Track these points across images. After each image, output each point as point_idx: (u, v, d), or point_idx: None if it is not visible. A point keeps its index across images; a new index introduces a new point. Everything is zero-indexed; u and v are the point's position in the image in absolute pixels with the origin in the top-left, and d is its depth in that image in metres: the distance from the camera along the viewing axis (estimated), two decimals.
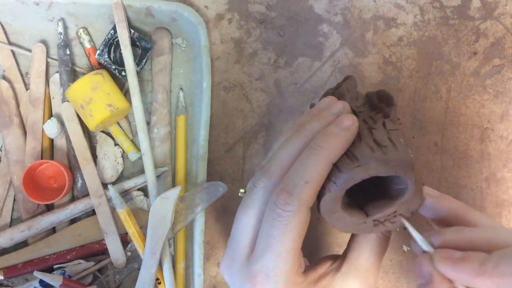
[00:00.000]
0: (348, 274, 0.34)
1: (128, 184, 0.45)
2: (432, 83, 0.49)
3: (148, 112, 0.46)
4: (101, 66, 0.46)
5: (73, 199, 0.45)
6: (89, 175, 0.44)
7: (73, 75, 0.46)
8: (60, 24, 0.45)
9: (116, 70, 0.45)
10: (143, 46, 0.45)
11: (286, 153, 0.33)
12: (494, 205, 0.49)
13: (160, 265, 0.43)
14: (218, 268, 0.47)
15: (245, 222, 0.33)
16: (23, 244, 0.44)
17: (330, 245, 0.48)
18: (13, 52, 0.46)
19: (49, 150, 0.45)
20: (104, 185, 0.44)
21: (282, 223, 0.30)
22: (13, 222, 0.45)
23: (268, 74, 0.48)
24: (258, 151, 0.48)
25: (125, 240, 0.44)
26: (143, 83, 0.47)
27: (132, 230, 0.43)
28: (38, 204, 0.44)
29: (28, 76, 0.46)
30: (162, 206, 0.42)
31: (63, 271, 0.42)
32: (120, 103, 0.43)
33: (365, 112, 0.35)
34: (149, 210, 0.43)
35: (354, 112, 0.35)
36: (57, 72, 0.45)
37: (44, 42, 0.46)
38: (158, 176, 0.45)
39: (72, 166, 0.45)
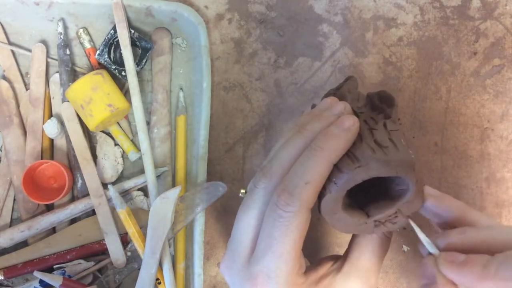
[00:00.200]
0: (349, 274, 0.34)
1: (128, 184, 0.45)
2: (432, 83, 0.49)
3: (148, 112, 0.46)
4: (101, 66, 0.46)
5: (73, 199, 0.45)
6: (89, 175, 0.44)
7: (73, 75, 0.46)
8: (60, 24, 0.45)
9: (116, 70, 0.45)
10: (143, 46, 0.45)
11: (286, 154, 0.33)
12: (494, 205, 0.49)
13: (160, 265, 0.43)
14: (218, 268, 0.47)
15: (246, 222, 0.33)
16: (23, 244, 0.44)
17: (331, 245, 0.48)
18: (13, 52, 0.46)
19: (49, 150, 0.45)
20: (104, 185, 0.44)
21: (283, 224, 0.30)
22: (13, 222, 0.45)
23: (268, 74, 0.48)
24: (258, 151, 0.48)
25: (125, 240, 0.44)
26: (143, 83, 0.47)
27: (132, 230, 0.43)
28: (38, 204, 0.44)
29: (28, 76, 0.46)
30: (162, 206, 0.42)
31: (63, 271, 0.42)
32: (120, 103, 0.43)
33: (366, 112, 0.35)
34: (149, 210, 0.43)
35: (355, 113, 0.35)
36: (57, 72, 0.45)
37: (44, 42, 0.46)
38: (158, 176, 0.45)
39: (72, 166, 0.45)
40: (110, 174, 0.45)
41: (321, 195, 0.32)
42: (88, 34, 0.46)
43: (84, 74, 0.45)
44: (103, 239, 0.44)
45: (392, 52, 0.49)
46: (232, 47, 0.48)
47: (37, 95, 0.45)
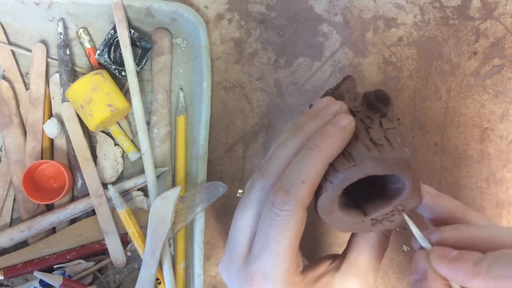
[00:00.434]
0: (347, 273, 0.34)
1: (128, 184, 0.45)
2: (432, 83, 0.49)
3: (148, 112, 0.46)
4: (101, 66, 0.46)
5: (73, 199, 0.45)
6: (89, 175, 0.44)
7: (73, 75, 0.46)
8: (60, 24, 0.45)
9: (116, 70, 0.45)
10: (143, 46, 0.45)
11: (283, 154, 0.33)
12: (494, 205, 0.49)
13: (160, 265, 0.43)
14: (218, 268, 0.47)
15: (243, 222, 0.33)
16: (23, 244, 0.44)
17: (330, 245, 0.48)
18: (13, 52, 0.46)
19: (49, 150, 0.45)
20: (104, 185, 0.44)
21: (279, 223, 0.30)
22: (13, 222, 0.45)
23: (268, 74, 0.48)
24: (258, 151, 0.48)
25: (125, 240, 0.44)
26: (143, 83, 0.47)
27: (132, 230, 0.43)
28: (38, 204, 0.44)
29: (28, 76, 0.46)
30: (162, 206, 0.42)
31: (63, 271, 0.42)
32: (120, 103, 0.43)
33: (362, 112, 0.35)
34: (149, 210, 0.43)
35: (351, 112, 0.35)
36: (57, 72, 0.45)
37: (44, 42, 0.46)
38: (158, 176, 0.45)
39: (72, 166, 0.45)
40: (110, 174, 0.45)
41: (317, 194, 0.32)
42: (88, 34, 0.46)
43: (84, 74, 0.45)
44: (103, 239, 0.44)
45: (392, 52, 0.49)
46: (232, 47, 0.48)
47: (37, 95, 0.45)
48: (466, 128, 0.49)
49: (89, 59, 0.46)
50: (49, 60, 0.46)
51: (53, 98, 0.45)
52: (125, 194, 0.45)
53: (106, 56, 0.44)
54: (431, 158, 0.49)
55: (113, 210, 0.44)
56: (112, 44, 0.45)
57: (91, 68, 0.46)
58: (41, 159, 0.44)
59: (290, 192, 0.31)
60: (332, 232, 0.48)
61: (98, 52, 0.44)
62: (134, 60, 0.44)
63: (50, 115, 0.45)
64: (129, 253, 0.44)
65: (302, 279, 0.32)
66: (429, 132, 0.49)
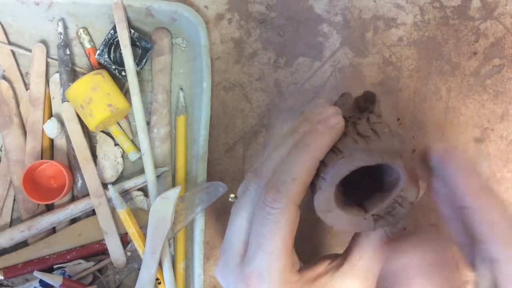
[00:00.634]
0: (347, 274, 0.34)
1: (128, 184, 0.45)
2: (432, 83, 0.49)
3: (148, 112, 0.46)
4: (101, 66, 0.46)
5: (73, 199, 0.45)
6: (89, 175, 0.44)
7: (73, 75, 0.46)
8: (60, 24, 0.45)
9: (116, 70, 0.45)
10: (143, 46, 0.45)
11: (277, 155, 0.33)
12: None
13: (160, 265, 0.43)
14: None
15: (238, 225, 0.33)
16: (23, 244, 0.44)
17: (331, 245, 0.48)
18: (13, 52, 0.46)
19: (49, 150, 0.45)
20: (104, 185, 0.44)
21: (271, 221, 0.31)
22: (13, 222, 0.45)
23: (268, 74, 0.48)
24: (258, 151, 0.48)
25: (125, 240, 0.44)
26: (143, 83, 0.47)
27: (132, 230, 0.43)
28: (38, 204, 0.44)
29: (28, 76, 0.46)
30: (162, 206, 0.42)
31: (63, 271, 0.42)
32: (120, 103, 0.43)
33: (354, 116, 0.36)
34: (149, 210, 0.43)
35: (344, 118, 0.35)
36: (57, 72, 0.45)
37: (44, 42, 0.46)
38: (158, 176, 0.45)
39: (72, 166, 0.45)
40: (110, 174, 0.45)
41: (314, 194, 0.32)
42: (88, 34, 0.46)
43: (84, 74, 0.45)
44: (103, 239, 0.44)
45: (392, 52, 0.49)
46: (232, 47, 0.48)
47: (37, 95, 0.45)
48: (466, 128, 0.49)
49: (89, 59, 0.46)
50: (49, 60, 0.46)
51: (53, 98, 0.45)
52: (125, 194, 0.45)
53: (106, 56, 0.44)
54: None
55: (113, 210, 0.44)
56: (112, 44, 0.45)
57: (91, 68, 0.46)
58: (41, 159, 0.44)
59: (281, 190, 0.31)
60: (332, 232, 0.48)
61: (98, 52, 0.44)
62: (134, 60, 0.44)
63: (50, 115, 0.45)
64: (129, 253, 0.44)
65: (299, 278, 0.32)
66: (429, 132, 0.49)
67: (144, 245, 0.42)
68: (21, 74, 0.46)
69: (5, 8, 0.44)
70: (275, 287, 0.31)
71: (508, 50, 0.50)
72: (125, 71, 0.44)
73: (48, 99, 0.45)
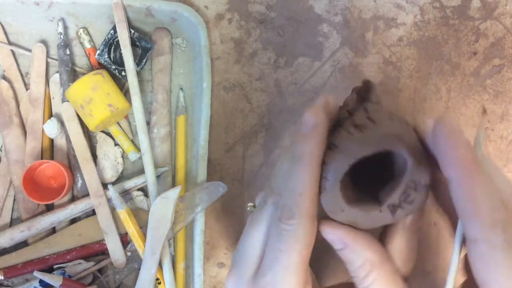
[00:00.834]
0: None
1: (128, 184, 0.45)
2: (432, 83, 0.49)
3: (148, 112, 0.46)
4: (101, 66, 0.46)
5: (73, 199, 0.45)
6: (89, 175, 0.44)
7: (73, 75, 0.46)
8: (60, 24, 0.45)
9: (116, 70, 0.45)
10: (143, 46, 0.45)
11: (283, 171, 0.32)
12: None
13: (160, 265, 0.43)
14: (219, 268, 0.47)
15: (256, 237, 0.33)
16: (23, 244, 0.44)
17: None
18: (13, 52, 0.46)
19: (49, 150, 0.45)
20: (104, 185, 0.44)
21: (287, 237, 0.30)
22: (13, 222, 0.45)
23: (268, 74, 0.48)
24: (258, 151, 0.48)
25: (125, 240, 0.44)
26: (143, 83, 0.47)
27: (132, 230, 0.43)
28: (38, 204, 0.44)
29: (28, 76, 0.46)
30: (162, 206, 0.42)
31: (63, 271, 0.42)
32: (120, 103, 0.43)
33: (356, 108, 0.34)
34: (149, 210, 0.43)
35: (349, 112, 0.34)
36: (57, 72, 0.45)
37: (44, 42, 0.46)
38: (158, 176, 0.45)
39: (72, 166, 0.45)
40: (110, 174, 0.45)
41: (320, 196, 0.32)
42: (88, 34, 0.46)
43: (84, 74, 0.45)
44: (103, 239, 0.44)
45: (392, 52, 0.49)
46: (232, 47, 0.48)
47: (37, 95, 0.45)
48: (466, 128, 0.49)
49: (89, 59, 0.46)
50: (49, 60, 0.46)
51: (53, 98, 0.45)
52: (125, 194, 0.45)
53: (106, 56, 0.44)
54: None
55: (113, 210, 0.44)
56: (112, 44, 0.45)
57: (91, 68, 0.46)
58: (41, 159, 0.44)
59: (292, 207, 0.30)
60: None
61: (98, 52, 0.44)
62: (134, 60, 0.44)
63: (50, 115, 0.45)
64: (129, 253, 0.44)
65: None
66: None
67: (144, 245, 0.42)
68: (21, 74, 0.46)
69: (5, 8, 0.44)
70: None
71: (508, 50, 0.50)
72: (125, 71, 0.44)
73: (48, 99, 0.45)
